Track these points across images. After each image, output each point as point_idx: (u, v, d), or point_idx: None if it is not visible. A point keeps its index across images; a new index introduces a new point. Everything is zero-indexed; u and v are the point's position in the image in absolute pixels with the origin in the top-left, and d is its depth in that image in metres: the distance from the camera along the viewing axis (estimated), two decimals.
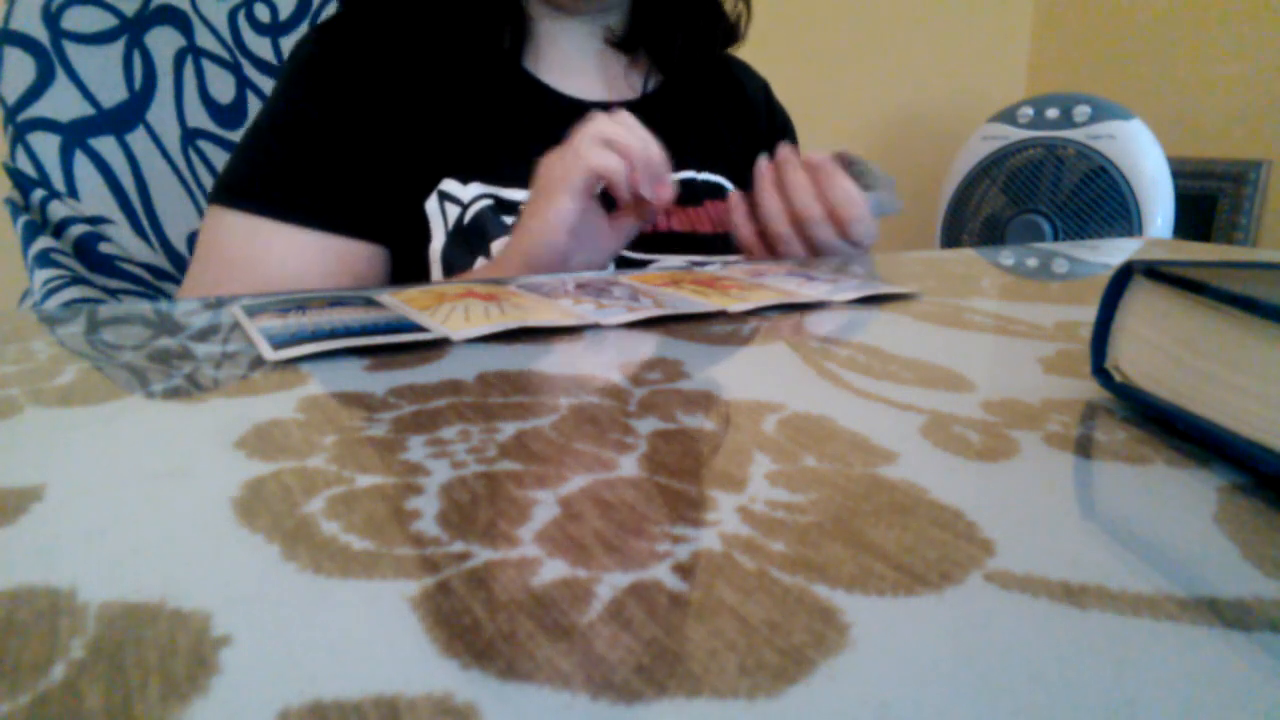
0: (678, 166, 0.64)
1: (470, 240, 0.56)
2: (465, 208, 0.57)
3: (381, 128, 0.57)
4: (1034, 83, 2.01)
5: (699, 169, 0.66)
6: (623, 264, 0.60)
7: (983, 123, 1.63)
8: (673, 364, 0.28)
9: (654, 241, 0.62)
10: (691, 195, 0.65)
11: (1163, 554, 0.16)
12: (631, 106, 0.64)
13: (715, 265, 0.54)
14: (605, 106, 0.63)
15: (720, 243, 0.63)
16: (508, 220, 0.56)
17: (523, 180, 0.57)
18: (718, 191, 0.66)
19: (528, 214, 0.50)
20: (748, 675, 0.12)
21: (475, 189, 0.57)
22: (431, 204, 0.57)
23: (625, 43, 0.66)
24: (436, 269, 0.57)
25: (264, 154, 0.56)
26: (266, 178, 0.56)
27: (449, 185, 0.57)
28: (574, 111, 0.61)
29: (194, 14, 0.73)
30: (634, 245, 0.60)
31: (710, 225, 0.64)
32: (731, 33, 0.70)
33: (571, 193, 0.48)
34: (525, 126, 0.60)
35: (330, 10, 0.77)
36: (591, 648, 0.12)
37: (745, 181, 0.69)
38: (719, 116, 0.71)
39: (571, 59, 0.64)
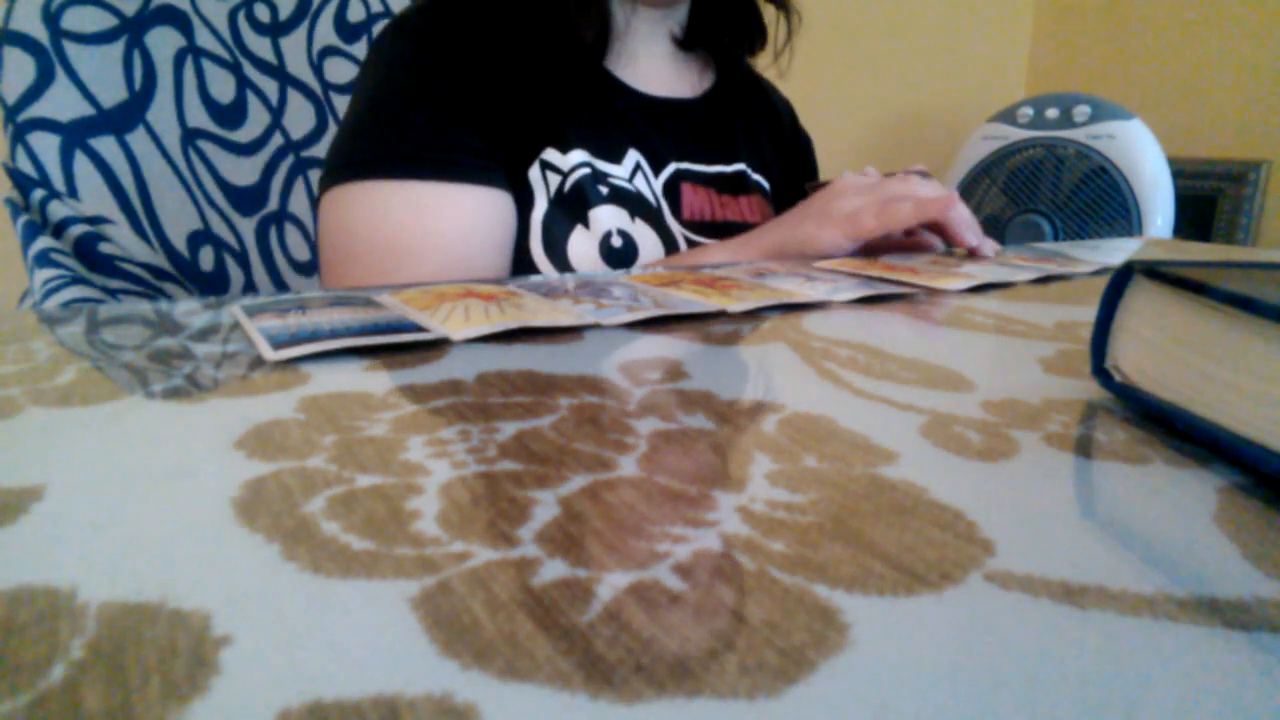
0: (732, 159, 0.70)
1: (571, 207, 0.59)
2: (565, 176, 0.59)
3: (491, 96, 0.59)
4: (1034, 83, 2.01)
5: (747, 164, 0.71)
6: (690, 247, 0.64)
7: (983, 123, 1.63)
8: (673, 364, 0.28)
9: (711, 228, 0.66)
10: (743, 187, 0.70)
11: (1163, 554, 0.16)
12: (694, 103, 0.70)
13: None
14: (670, 101, 0.68)
15: None
16: (604, 190, 0.60)
17: (606, 156, 0.61)
18: (760, 189, 0.72)
19: (802, 223, 0.57)
20: (748, 675, 0.12)
21: (576, 157, 0.60)
22: (534, 172, 0.59)
23: (686, 40, 0.70)
24: (537, 233, 0.59)
25: (401, 124, 0.57)
26: (419, 144, 0.56)
27: (550, 154, 0.60)
28: (640, 102, 0.66)
29: (194, 14, 0.73)
30: (694, 230, 0.65)
31: (755, 216, 0.70)
32: (763, 36, 0.74)
33: (848, 242, 0.56)
34: (602, 111, 0.64)
35: (330, 10, 0.77)
36: (591, 648, 0.12)
37: (777, 185, 0.74)
38: (758, 121, 0.76)
39: (641, 56, 0.68)
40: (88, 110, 0.69)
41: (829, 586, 0.14)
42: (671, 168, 0.65)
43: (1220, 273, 0.22)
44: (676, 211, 0.64)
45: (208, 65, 0.74)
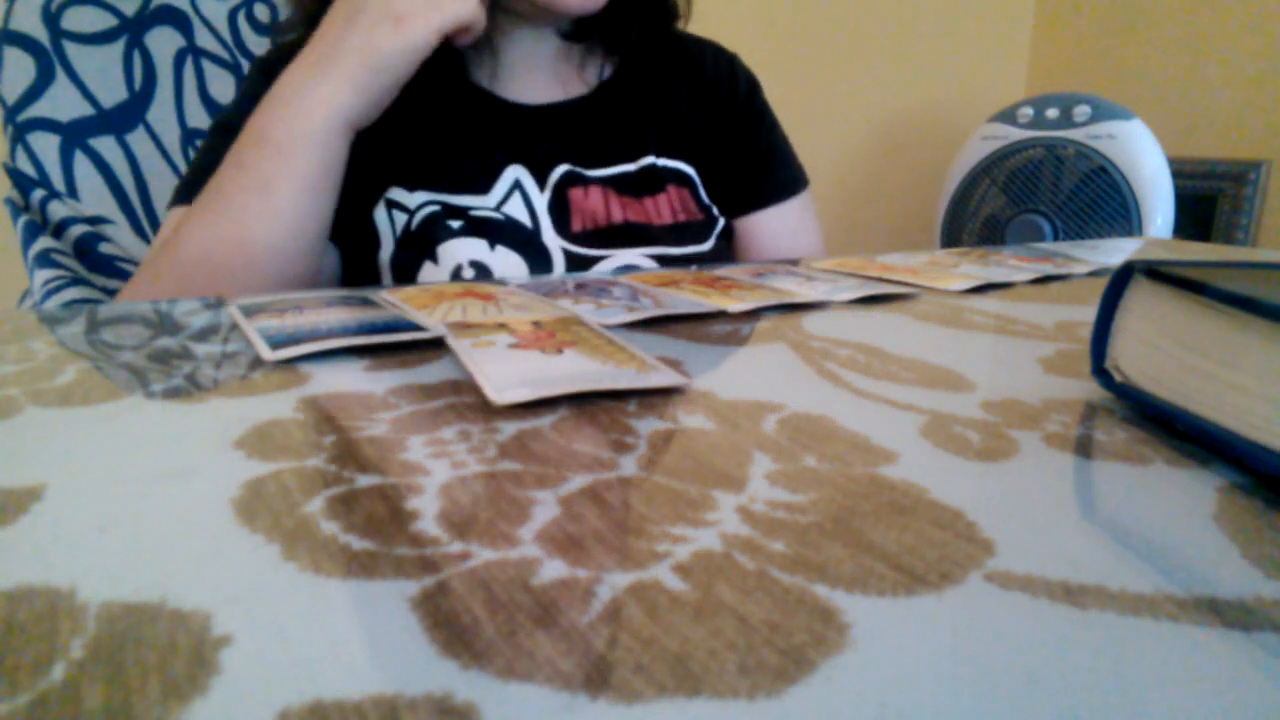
0: (637, 155, 0.65)
1: (419, 245, 0.57)
2: (412, 214, 0.58)
3: None
4: (1034, 83, 2.01)
5: (659, 155, 0.66)
6: (572, 262, 0.60)
7: (983, 123, 1.62)
8: (673, 364, 0.28)
9: (607, 235, 0.62)
10: (654, 182, 0.64)
11: (1163, 554, 0.16)
12: (585, 100, 0.65)
13: (655, 268, 0.53)
14: (554, 107, 0.64)
15: (676, 233, 0.63)
16: (454, 225, 0.58)
17: (468, 186, 0.59)
18: (680, 177, 0.66)
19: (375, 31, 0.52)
20: (748, 675, 0.12)
21: (421, 196, 0.58)
22: (380, 213, 0.58)
23: (576, 33, 0.66)
24: (386, 275, 0.58)
25: (211, 155, 0.56)
26: (206, 172, 0.54)
27: (396, 193, 0.58)
28: (519, 116, 0.62)
29: (194, 14, 0.73)
30: (585, 241, 0.60)
31: (671, 214, 0.64)
32: (673, 12, 0.69)
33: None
34: (470, 134, 0.61)
35: None
36: (591, 648, 0.12)
37: (711, 163, 0.68)
38: (679, 101, 0.70)
39: (520, 63, 0.65)
40: (88, 110, 0.69)
41: (829, 586, 0.14)
42: (558, 175, 0.63)
43: (1220, 273, 0.22)
44: (566, 223, 0.61)
45: (208, 65, 0.74)
